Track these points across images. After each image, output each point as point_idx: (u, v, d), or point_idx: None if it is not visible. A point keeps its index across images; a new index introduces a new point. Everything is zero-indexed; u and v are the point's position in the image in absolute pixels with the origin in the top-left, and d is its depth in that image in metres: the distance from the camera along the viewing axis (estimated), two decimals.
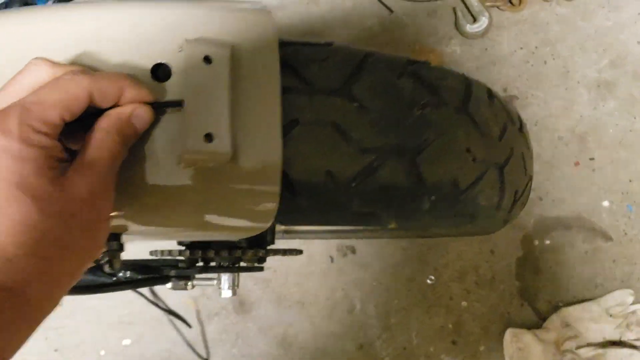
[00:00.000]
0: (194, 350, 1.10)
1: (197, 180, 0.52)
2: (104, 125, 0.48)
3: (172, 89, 0.51)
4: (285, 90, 0.56)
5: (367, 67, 0.61)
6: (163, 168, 0.51)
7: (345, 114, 0.58)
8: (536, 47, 1.51)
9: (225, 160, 0.51)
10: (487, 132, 0.68)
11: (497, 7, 1.54)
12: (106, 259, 0.55)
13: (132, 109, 0.49)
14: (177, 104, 0.50)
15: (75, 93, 0.46)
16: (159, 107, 0.50)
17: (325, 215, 0.61)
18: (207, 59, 0.51)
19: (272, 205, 0.54)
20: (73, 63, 0.51)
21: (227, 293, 0.96)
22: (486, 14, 1.50)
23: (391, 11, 1.58)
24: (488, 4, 1.53)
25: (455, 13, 1.53)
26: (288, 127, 0.56)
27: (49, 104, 0.44)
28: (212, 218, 0.54)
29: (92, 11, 0.53)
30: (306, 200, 0.58)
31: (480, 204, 0.69)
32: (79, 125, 0.47)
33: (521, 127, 0.77)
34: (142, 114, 0.49)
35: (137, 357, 1.30)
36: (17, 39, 0.51)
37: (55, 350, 1.31)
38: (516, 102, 1.47)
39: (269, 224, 0.56)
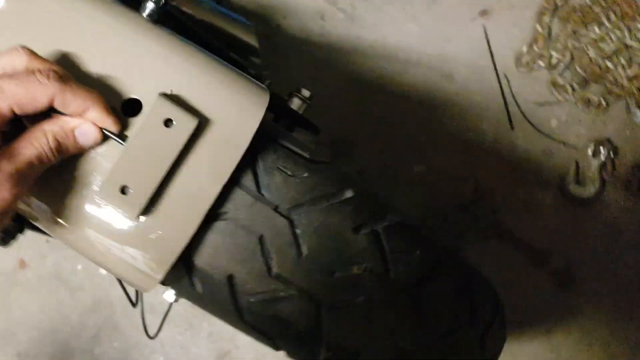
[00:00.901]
0: (143, 322, 1.12)
1: (101, 216, 0.52)
2: (45, 126, 0.49)
3: (130, 127, 0.52)
4: (235, 182, 0.55)
5: (331, 204, 0.58)
6: (83, 189, 0.52)
7: (279, 235, 0.56)
8: (620, 241, 1.37)
9: (130, 217, 0.51)
10: (428, 325, 0.63)
11: (615, 184, 1.42)
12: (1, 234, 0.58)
13: (78, 124, 0.50)
14: (120, 139, 0.51)
15: (35, 95, 0.47)
16: (105, 134, 0.51)
17: (217, 311, 0.60)
18: (168, 122, 0.51)
19: (154, 278, 0.54)
20: (58, 60, 0.52)
21: (169, 296, 0.97)
22: (598, 185, 1.39)
23: (512, 127, 1.50)
24: (608, 177, 1.41)
25: (571, 167, 1.43)
26: (217, 216, 0.55)
27: (4, 93, 0.47)
28: (101, 257, 0.54)
29: (104, 17, 0.54)
30: (201, 287, 0.57)
31: None
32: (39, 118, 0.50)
33: (483, 338, 0.70)
34: (88, 133, 0.50)
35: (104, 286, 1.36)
36: (21, 16, 0.53)
37: (47, 241, 1.40)
38: (571, 289, 1.35)
39: (148, 290, 0.56)
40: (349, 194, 0.59)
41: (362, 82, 1.53)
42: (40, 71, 0.48)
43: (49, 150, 0.49)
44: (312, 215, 0.57)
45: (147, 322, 1.33)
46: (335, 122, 1.44)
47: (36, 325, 1.37)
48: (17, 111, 0.47)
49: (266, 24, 1.56)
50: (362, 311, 0.59)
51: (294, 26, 1.58)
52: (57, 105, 0.49)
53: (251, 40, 0.80)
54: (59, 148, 0.49)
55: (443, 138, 1.47)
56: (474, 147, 1.47)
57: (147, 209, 0.52)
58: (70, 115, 0.50)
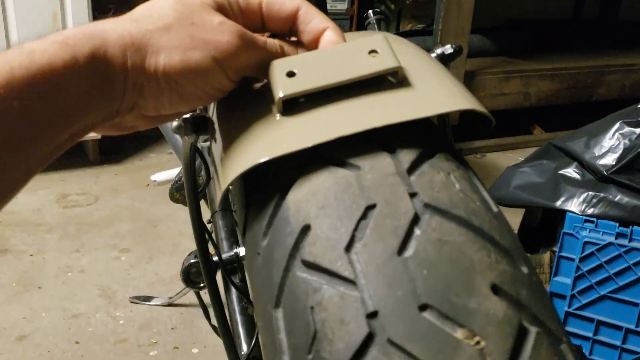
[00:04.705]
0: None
1: None
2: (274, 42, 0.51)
3: None
4: (388, 146, 0.43)
5: (481, 238, 0.39)
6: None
7: (393, 217, 0.39)
8: None
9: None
10: None
11: None
12: None
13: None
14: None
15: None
16: None
17: (260, 267, 0.43)
18: (373, 52, 0.47)
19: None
20: None
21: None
22: None
23: None
24: None
25: None
26: (341, 162, 0.43)
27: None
28: None
29: None
30: (269, 235, 0.43)
31: None
32: None
33: None
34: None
35: None
36: None
37: None
38: None
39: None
40: (524, 268, 0.39)
41: None
42: None
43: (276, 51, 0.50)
44: (447, 228, 0.39)
45: None
46: None
47: None
48: (264, 8, 0.50)
49: None
50: None
51: None
52: (301, 15, 0.50)
53: None
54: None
55: None
56: None
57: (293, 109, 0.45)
58: (308, 32, 0.50)
